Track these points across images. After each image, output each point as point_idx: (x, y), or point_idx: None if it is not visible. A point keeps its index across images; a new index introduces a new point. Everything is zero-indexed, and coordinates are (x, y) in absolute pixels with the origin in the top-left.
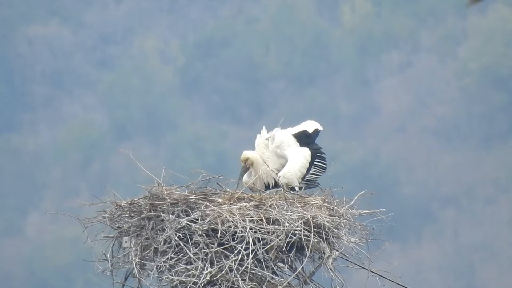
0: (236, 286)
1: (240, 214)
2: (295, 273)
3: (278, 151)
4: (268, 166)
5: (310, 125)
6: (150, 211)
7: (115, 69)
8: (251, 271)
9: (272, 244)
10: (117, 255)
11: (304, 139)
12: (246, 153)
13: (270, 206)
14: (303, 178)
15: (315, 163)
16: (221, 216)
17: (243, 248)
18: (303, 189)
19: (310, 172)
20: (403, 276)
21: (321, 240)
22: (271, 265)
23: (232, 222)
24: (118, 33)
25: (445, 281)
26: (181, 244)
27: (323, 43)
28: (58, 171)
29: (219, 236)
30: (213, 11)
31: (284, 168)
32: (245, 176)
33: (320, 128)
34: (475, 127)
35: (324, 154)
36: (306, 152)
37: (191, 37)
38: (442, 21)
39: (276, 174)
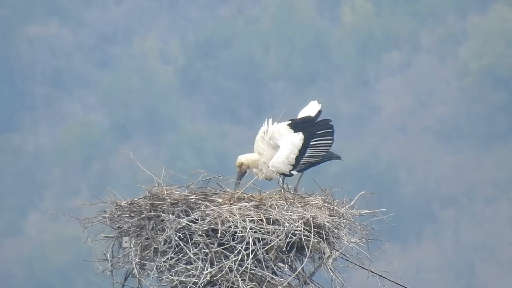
0: (236, 286)
1: (240, 214)
2: (295, 273)
3: (271, 142)
4: (259, 168)
5: (311, 109)
6: (150, 211)
7: (115, 69)
8: (251, 271)
9: (272, 244)
10: (117, 255)
11: (300, 125)
12: (240, 158)
13: (270, 206)
14: (296, 164)
15: (312, 143)
16: (221, 216)
17: (243, 248)
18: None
19: (307, 154)
20: (403, 276)
21: (321, 240)
22: (271, 265)
23: (232, 222)
24: (118, 33)
25: (445, 281)
26: (181, 244)
27: (323, 43)
28: (58, 171)
29: (219, 236)
30: (213, 11)
31: (273, 158)
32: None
33: (319, 108)
34: (475, 127)
35: (330, 129)
36: (296, 138)
37: (191, 37)
38: (442, 21)
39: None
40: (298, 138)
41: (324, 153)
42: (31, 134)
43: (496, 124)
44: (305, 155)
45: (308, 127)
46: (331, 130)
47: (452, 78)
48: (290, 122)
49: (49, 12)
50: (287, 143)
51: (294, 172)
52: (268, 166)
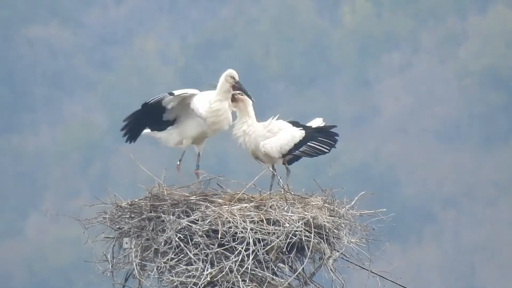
0: (236, 287)
1: (240, 215)
2: (296, 274)
3: (268, 134)
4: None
5: (315, 122)
6: (151, 212)
7: (115, 70)
8: (252, 272)
9: (272, 244)
10: (117, 256)
11: (308, 127)
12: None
13: (270, 207)
14: (286, 155)
15: (309, 144)
16: (221, 217)
17: (244, 249)
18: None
19: (300, 149)
20: (403, 277)
21: (322, 241)
22: (271, 266)
23: (233, 223)
24: (118, 34)
25: (445, 282)
26: (182, 245)
27: (323, 44)
28: (59, 172)
29: (219, 237)
30: (213, 12)
31: (268, 139)
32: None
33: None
34: (475, 128)
35: (332, 142)
36: (297, 132)
37: (191, 38)
38: (442, 22)
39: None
40: (299, 133)
41: (315, 155)
42: (32, 135)
43: (496, 125)
44: (299, 150)
45: (315, 131)
46: (333, 142)
47: (452, 79)
48: (295, 122)
49: (49, 13)
50: (287, 133)
51: (280, 161)
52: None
